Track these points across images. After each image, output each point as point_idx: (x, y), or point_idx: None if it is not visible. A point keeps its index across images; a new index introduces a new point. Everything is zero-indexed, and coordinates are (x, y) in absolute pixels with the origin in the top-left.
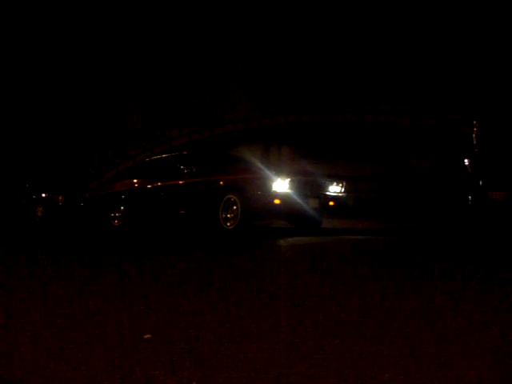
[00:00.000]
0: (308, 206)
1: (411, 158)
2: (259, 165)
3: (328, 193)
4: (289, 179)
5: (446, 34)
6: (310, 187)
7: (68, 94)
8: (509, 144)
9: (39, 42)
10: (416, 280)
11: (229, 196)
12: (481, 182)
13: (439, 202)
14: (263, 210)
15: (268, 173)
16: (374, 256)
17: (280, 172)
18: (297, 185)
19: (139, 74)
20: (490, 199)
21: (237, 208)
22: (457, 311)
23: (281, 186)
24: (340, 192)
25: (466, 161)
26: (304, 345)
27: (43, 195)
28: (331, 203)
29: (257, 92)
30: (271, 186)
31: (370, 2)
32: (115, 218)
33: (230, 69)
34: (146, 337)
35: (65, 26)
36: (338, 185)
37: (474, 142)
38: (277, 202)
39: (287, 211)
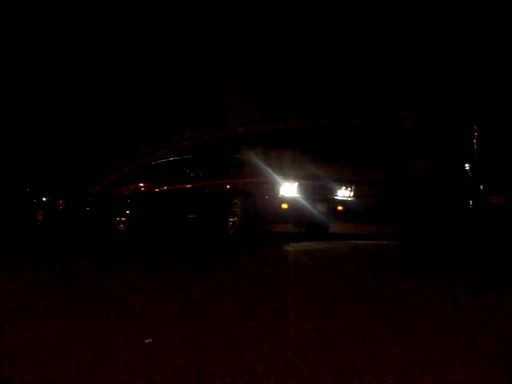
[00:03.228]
0: (316, 210)
1: (413, 163)
2: (266, 169)
3: (336, 197)
4: (296, 183)
5: (447, 39)
6: (317, 191)
7: (69, 99)
8: (509, 149)
9: (40, 47)
10: (419, 284)
11: (236, 200)
12: (481, 187)
13: (445, 207)
14: (271, 214)
15: (275, 177)
16: (379, 260)
17: (287, 176)
18: (305, 189)
19: (140, 78)
20: (490, 204)
21: (245, 212)
22: (459, 313)
23: (288, 190)
24: (349, 196)
25: (466, 165)
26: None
27: (44, 199)
28: (340, 208)
29: (258, 97)
30: (279, 190)
31: (372, 8)
32: (121, 222)
33: (231, 73)
34: (147, 341)
35: (67, 31)
36: (346, 189)
37: (475, 147)
38: (284, 206)
39: (295, 215)
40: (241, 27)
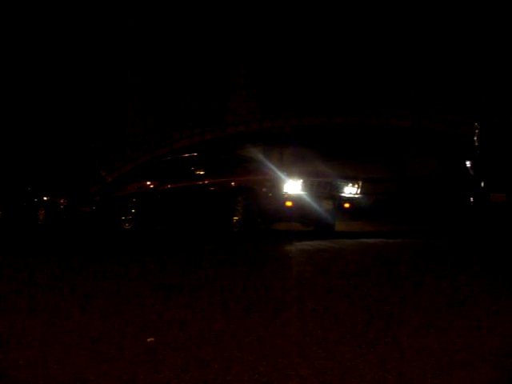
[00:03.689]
0: (321, 208)
1: (414, 161)
2: (271, 166)
3: (343, 194)
4: (301, 180)
5: (447, 37)
6: (323, 189)
7: (69, 98)
8: (510, 146)
9: (41, 47)
10: (416, 284)
11: (240, 198)
12: (482, 184)
13: (449, 205)
14: (276, 212)
15: (280, 174)
16: (381, 260)
17: (292, 173)
18: (310, 186)
19: (140, 77)
20: (491, 201)
21: (249, 210)
22: (459, 313)
23: (293, 187)
24: (356, 193)
25: (467, 162)
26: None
27: (45, 198)
28: (346, 205)
29: (258, 95)
30: (283, 187)
31: (373, 6)
32: (126, 220)
33: (231, 72)
34: (149, 340)
35: (67, 30)
36: (353, 186)
37: (476, 144)
38: (289, 204)
39: (300, 213)
40: (241, 26)
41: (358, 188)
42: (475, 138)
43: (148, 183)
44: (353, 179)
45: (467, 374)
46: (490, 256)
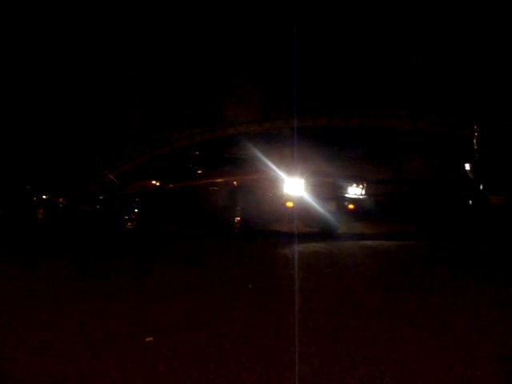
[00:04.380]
0: (324, 209)
1: (413, 162)
2: (272, 166)
3: (347, 195)
4: (303, 180)
5: (447, 39)
6: (326, 189)
7: (69, 97)
8: (509, 149)
9: (40, 45)
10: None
11: (241, 197)
12: (481, 187)
13: (451, 207)
14: (276, 212)
15: (281, 174)
16: (389, 262)
17: (293, 173)
18: (312, 186)
19: (140, 76)
20: (490, 204)
21: (250, 210)
22: (459, 315)
23: (294, 187)
24: (360, 194)
25: (466, 165)
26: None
27: (44, 197)
28: (351, 206)
29: (258, 96)
30: (284, 187)
31: (373, 8)
32: (129, 220)
33: (231, 72)
34: (147, 340)
35: (66, 29)
36: (358, 187)
37: (475, 147)
38: (290, 204)
39: (301, 214)
40: (242, 26)
41: (362, 189)
42: (474, 141)
43: (150, 182)
44: (357, 180)
45: (466, 374)
46: (490, 258)
